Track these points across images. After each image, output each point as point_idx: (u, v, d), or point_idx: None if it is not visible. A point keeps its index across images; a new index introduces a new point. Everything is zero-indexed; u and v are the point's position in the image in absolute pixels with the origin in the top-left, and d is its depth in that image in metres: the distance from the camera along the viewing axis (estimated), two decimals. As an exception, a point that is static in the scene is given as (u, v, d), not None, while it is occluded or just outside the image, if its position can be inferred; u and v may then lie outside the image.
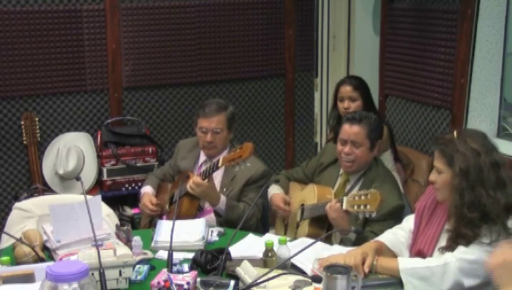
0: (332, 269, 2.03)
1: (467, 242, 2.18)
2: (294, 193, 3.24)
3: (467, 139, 2.22)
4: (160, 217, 3.20)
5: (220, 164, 3.01)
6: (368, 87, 3.73)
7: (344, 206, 2.68)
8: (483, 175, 2.17)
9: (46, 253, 2.55)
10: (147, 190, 3.43)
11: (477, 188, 2.16)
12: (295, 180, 3.33)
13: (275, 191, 3.24)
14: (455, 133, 2.27)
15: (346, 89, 3.66)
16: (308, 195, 3.07)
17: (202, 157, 3.34)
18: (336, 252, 2.48)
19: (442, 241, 2.28)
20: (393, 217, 2.74)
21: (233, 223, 2.98)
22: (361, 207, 2.59)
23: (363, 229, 2.72)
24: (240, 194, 3.18)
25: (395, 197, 2.86)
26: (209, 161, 3.26)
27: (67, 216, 2.52)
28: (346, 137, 2.95)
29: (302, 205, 3.09)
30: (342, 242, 2.78)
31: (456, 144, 2.22)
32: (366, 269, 2.28)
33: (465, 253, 2.17)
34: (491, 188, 2.16)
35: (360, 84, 3.68)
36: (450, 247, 2.22)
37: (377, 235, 2.58)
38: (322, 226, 2.90)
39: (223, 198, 3.10)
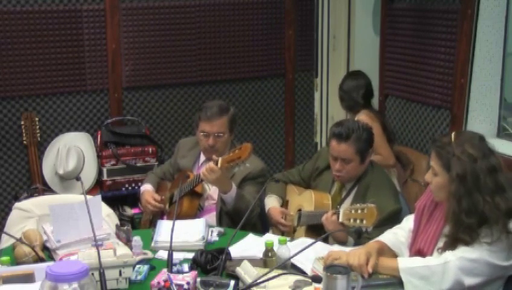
0: (332, 269, 2.03)
1: (466, 244, 2.17)
2: (291, 197, 3.22)
3: (464, 144, 2.19)
4: (161, 217, 3.19)
5: (219, 165, 2.98)
6: (352, 82, 4.00)
7: (340, 219, 2.65)
8: (479, 181, 2.15)
9: (46, 253, 2.54)
10: (147, 188, 3.42)
11: (474, 194, 2.15)
12: (292, 183, 3.30)
13: (272, 203, 3.18)
14: (453, 135, 2.24)
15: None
16: (306, 201, 3.04)
17: (202, 156, 3.34)
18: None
19: (442, 242, 2.28)
20: (391, 222, 2.72)
21: (239, 214, 2.93)
22: (358, 221, 2.54)
23: (362, 230, 2.70)
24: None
25: (391, 202, 2.84)
26: (209, 160, 3.25)
27: (67, 216, 2.52)
28: (336, 154, 2.90)
29: (299, 210, 3.07)
30: None
31: (453, 148, 2.20)
32: (370, 270, 2.27)
33: (465, 252, 2.16)
34: (489, 193, 2.15)
35: (340, 88, 4.04)
36: (449, 249, 2.22)
37: None
38: (318, 233, 2.88)
39: (234, 186, 3.07)
